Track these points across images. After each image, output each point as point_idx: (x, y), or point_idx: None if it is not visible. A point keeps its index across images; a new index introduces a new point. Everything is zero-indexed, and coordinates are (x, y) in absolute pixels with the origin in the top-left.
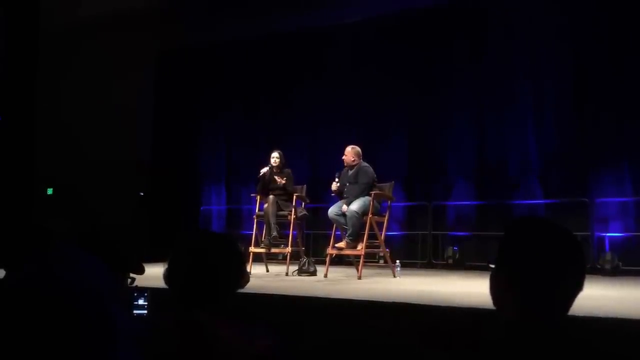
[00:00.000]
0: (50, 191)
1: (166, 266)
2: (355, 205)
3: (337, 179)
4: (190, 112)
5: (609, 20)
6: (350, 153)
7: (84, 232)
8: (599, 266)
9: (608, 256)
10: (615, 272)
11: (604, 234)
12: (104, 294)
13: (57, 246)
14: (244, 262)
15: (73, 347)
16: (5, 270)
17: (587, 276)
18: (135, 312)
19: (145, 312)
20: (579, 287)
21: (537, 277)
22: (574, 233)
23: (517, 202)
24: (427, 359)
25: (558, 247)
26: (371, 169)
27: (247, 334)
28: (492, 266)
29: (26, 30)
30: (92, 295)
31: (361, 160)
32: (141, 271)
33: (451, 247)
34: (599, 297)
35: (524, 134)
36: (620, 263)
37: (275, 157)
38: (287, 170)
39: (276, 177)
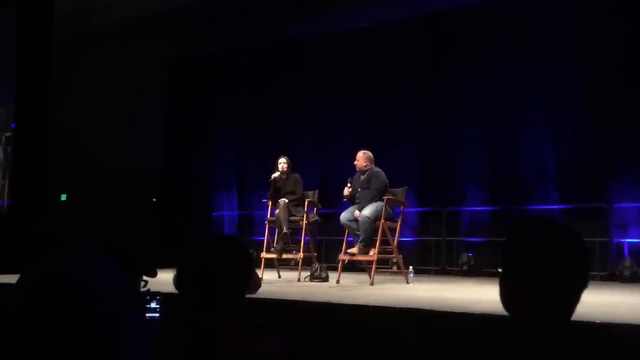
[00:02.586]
0: (64, 197)
1: (175, 271)
2: (368, 211)
3: (349, 184)
4: (202, 118)
5: (624, 23)
6: (362, 158)
7: (96, 234)
8: (617, 272)
9: (627, 262)
10: (634, 278)
11: (623, 240)
12: (116, 294)
13: (69, 247)
14: (253, 265)
15: (85, 347)
16: (20, 274)
17: (605, 283)
18: (147, 315)
19: (158, 315)
20: (583, 285)
21: (539, 278)
22: (593, 239)
23: (533, 207)
24: None
25: (558, 246)
26: (383, 174)
27: (256, 337)
28: (500, 270)
29: (40, 37)
30: (105, 295)
31: (373, 165)
32: (154, 274)
33: (465, 254)
34: (616, 303)
35: (539, 139)
36: None
37: (283, 163)
38: (295, 175)
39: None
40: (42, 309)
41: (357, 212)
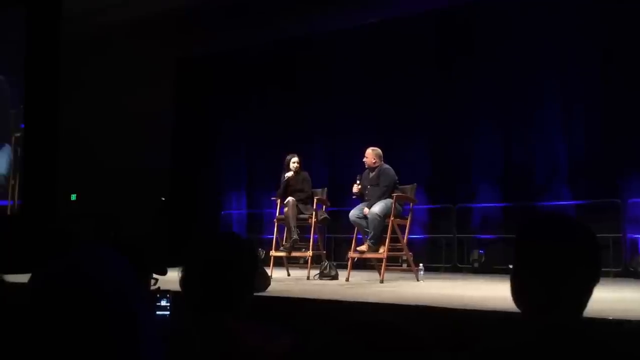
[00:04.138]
0: (73, 197)
1: (182, 272)
2: (377, 208)
3: (358, 181)
4: (210, 117)
5: (637, 20)
6: (371, 155)
7: (107, 233)
8: (631, 269)
9: None
10: None
11: (637, 236)
12: (129, 292)
13: (83, 246)
14: (258, 263)
15: (100, 343)
16: (34, 272)
17: (619, 279)
18: (157, 313)
19: (168, 313)
20: (594, 280)
21: (550, 273)
22: (607, 235)
23: (546, 203)
24: None
25: (569, 241)
26: (392, 171)
27: (265, 334)
28: (512, 267)
29: (48, 38)
30: (118, 293)
31: (382, 162)
32: (163, 272)
33: (477, 251)
34: (630, 300)
35: (551, 135)
36: None
37: (296, 162)
38: (304, 173)
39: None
40: (56, 306)
41: (366, 210)
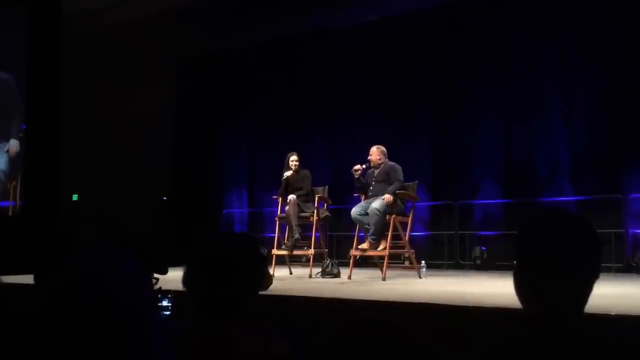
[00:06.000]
0: (75, 197)
1: (185, 271)
2: (377, 204)
3: (364, 165)
4: (212, 116)
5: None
6: (376, 152)
7: (109, 233)
8: (633, 264)
9: None
10: None
11: (639, 231)
12: (140, 294)
13: (95, 245)
14: (265, 263)
15: (110, 343)
16: (33, 275)
17: (621, 275)
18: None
19: (169, 313)
20: (595, 276)
21: (552, 269)
22: (609, 230)
23: (547, 199)
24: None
25: (570, 237)
26: (400, 167)
27: (265, 335)
28: (515, 262)
29: (48, 38)
30: (130, 294)
31: (387, 160)
32: (164, 272)
33: (479, 247)
34: (631, 295)
35: (553, 131)
36: None
37: (295, 161)
38: (305, 171)
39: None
40: (73, 307)
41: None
